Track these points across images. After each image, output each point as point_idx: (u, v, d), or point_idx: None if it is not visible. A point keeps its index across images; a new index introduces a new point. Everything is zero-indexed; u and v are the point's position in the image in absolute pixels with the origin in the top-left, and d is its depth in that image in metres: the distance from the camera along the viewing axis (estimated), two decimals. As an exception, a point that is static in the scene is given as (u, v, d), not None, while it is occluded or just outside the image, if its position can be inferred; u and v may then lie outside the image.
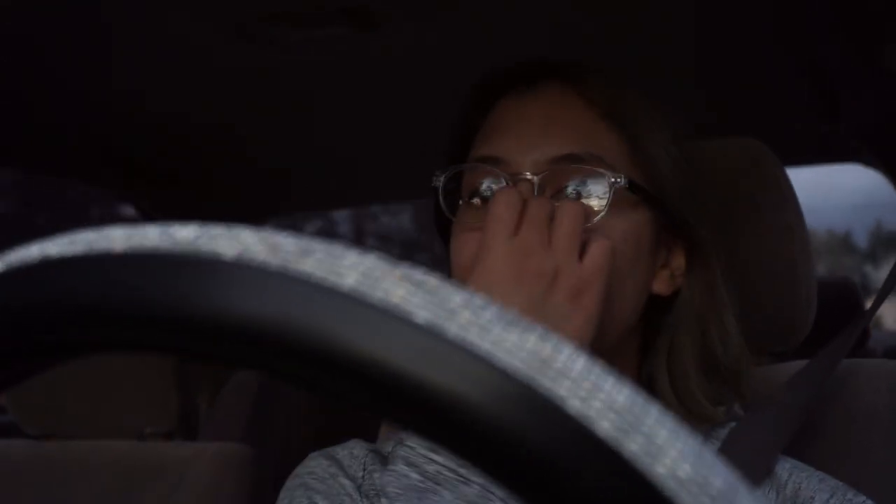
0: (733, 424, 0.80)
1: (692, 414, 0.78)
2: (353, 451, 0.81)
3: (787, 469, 0.78)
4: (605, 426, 0.21)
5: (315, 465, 0.80)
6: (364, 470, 0.79)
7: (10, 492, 1.35)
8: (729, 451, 0.76)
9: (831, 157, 1.92)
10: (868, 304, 1.00)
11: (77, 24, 1.21)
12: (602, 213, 0.76)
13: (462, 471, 0.67)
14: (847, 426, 0.92)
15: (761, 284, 0.93)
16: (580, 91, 0.80)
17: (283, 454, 1.74)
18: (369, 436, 1.01)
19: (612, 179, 0.76)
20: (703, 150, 0.96)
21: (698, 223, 0.81)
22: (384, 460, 0.79)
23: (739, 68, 1.40)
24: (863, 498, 0.75)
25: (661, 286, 0.81)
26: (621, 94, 0.81)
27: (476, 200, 0.79)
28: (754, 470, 0.76)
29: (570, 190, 0.77)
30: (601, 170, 0.77)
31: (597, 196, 0.77)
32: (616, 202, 0.76)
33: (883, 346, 3.08)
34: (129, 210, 2.06)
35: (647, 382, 0.81)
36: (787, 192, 0.95)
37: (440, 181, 0.81)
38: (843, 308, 2.36)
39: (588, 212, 0.75)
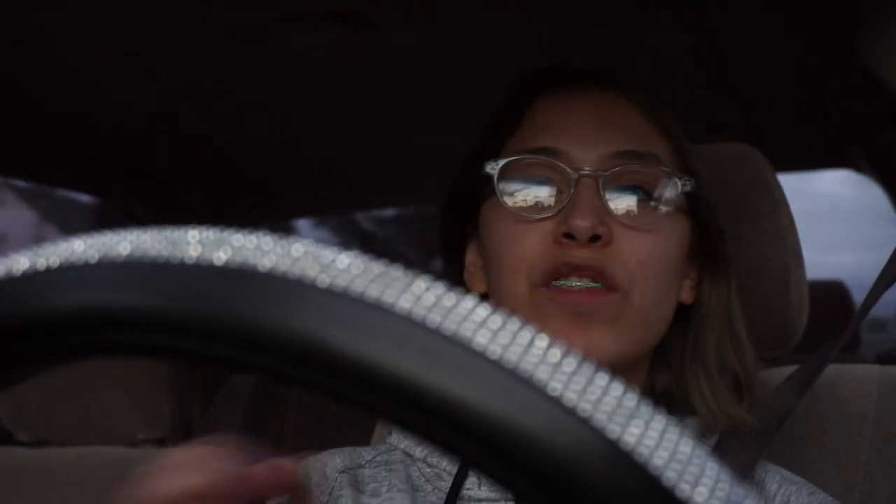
0: (722, 432, 0.81)
1: (728, 417, 0.79)
2: (325, 471, 0.81)
3: (777, 481, 0.77)
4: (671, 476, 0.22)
5: None
6: (330, 495, 0.79)
7: (3, 498, 1.34)
8: (718, 457, 0.76)
9: (823, 163, 1.93)
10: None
11: (74, 24, 1.21)
12: (667, 211, 0.77)
13: None
14: (837, 430, 0.92)
15: (753, 289, 0.93)
16: (626, 96, 0.82)
17: (276, 460, 1.74)
18: (362, 441, 1.01)
19: (679, 182, 0.78)
20: (695, 155, 0.97)
21: (724, 236, 0.83)
22: (355, 483, 0.79)
23: (731, 74, 1.41)
24: None
25: (685, 295, 0.83)
26: (658, 102, 0.83)
27: (531, 192, 0.78)
28: (741, 475, 0.76)
29: (635, 188, 0.77)
30: (666, 170, 0.78)
31: (661, 196, 0.78)
32: (675, 205, 0.78)
33: (874, 352, 3.09)
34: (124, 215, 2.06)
35: (663, 390, 0.82)
36: (778, 198, 0.96)
37: (496, 169, 0.79)
38: (834, 311, 2.36)
39: (652, 212, 0.77)
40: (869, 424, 0.91)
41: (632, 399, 0.23)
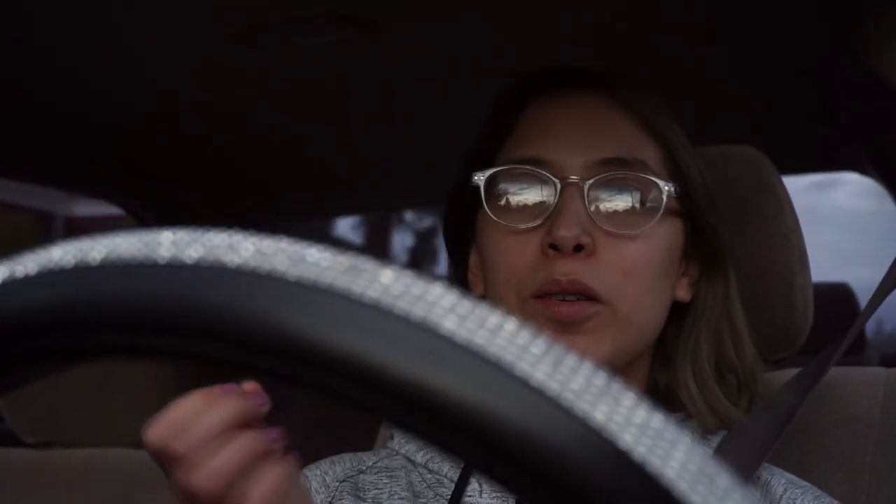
0: (724, 432, 0.81)
1: (715, 413, 0.80)
2: (325, 478, 0.82)
3: (783, 484, 0.78)
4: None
5: None
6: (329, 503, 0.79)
7: (8, 500, 1.34)
8: (720, 458, 0.77)
9: (827, 166, 1.92)
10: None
11: (75, 26, 1.21)
12: (654, 221, 0.77)
13: None
14: (843, 432, 0.92)
15: (758, 292, 0.93)
16: (618, 99, 0.82)
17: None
18: (366, 442, 1.01)
19: (665, 188, 0.78)
20: (700, 158, 0.96)
21: (720, 234, 0.83)
22: (356, 491, 0.79)
23: (736, 76, 1.41)
24: None
25: (682, 293, 0.83)
26: (654, 103, 0.83)
27: (519, 201, 0.79)
28: (743, 475, 0.76)
29: (620, 195, 0.78)
30: (651, 177, 0.78)
31: (647, 202, 0.78)
32: (664, 210, 0.78)
33: (879, 354, 3.08)
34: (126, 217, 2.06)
35: (665, 386, 0.83)
36: (783, 200, 0.96)
37: (482, 180, 0.80)
38: (839, 314, 2.36)
39: (638, 218, 0.77)
40: (874, 427, 0.91)
41: (601, 377, 0.23)
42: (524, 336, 0.23)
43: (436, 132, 1.64)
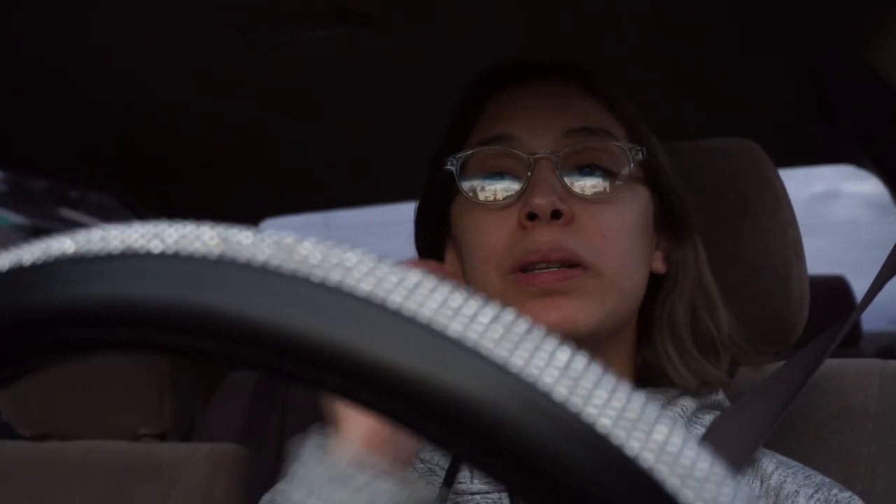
0: (718, 413, 0.81)
1: (695, 374, 0.80)
2: None
3: (774, 463, 0.78)
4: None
5: None
6: None
7: (4, 493, 1.34)
8: (712, 438, 0.78)
9: (825, 159, 1.93)
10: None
11: (73, 24, 1.21)
12: (622, 183, 0.79)
13: None
14: (838, 424, 0.92)
15: (755, 284, 0.93)
16: (581, 84, 0.84)
17: (279, 455, 1.74)
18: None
19: (631, 150, 0.80)
20: (698, 151, 0.97)
21: (685, 203, 0.85)
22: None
23: (733, 69, 1.41)
24: (849, 493, 0.75)
25: (657, 265, 0.85)
26: (619, 91, 0.85)
27: (492, 181, 0.80)
28: (736, 458, 0.76)
29: (589, 165, 0.79)
30: (616, 143, 0.80)
31: (615, 168, 0.79)
32: (631, 176, 0.79)
33: (875, 346, 3.09)
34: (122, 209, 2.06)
35: (649, 363, 0.84)
36: (780, 193, 0.96)
37: (455, 165, 0.81)
38: (835, 306, 2.36)
39: (607, 185, 0.79)
40: (870, 418, 0.91)
41: (522, 325, 0.23)
42: (441, 291, 0.23)
43: (435, 129, 1.64)
